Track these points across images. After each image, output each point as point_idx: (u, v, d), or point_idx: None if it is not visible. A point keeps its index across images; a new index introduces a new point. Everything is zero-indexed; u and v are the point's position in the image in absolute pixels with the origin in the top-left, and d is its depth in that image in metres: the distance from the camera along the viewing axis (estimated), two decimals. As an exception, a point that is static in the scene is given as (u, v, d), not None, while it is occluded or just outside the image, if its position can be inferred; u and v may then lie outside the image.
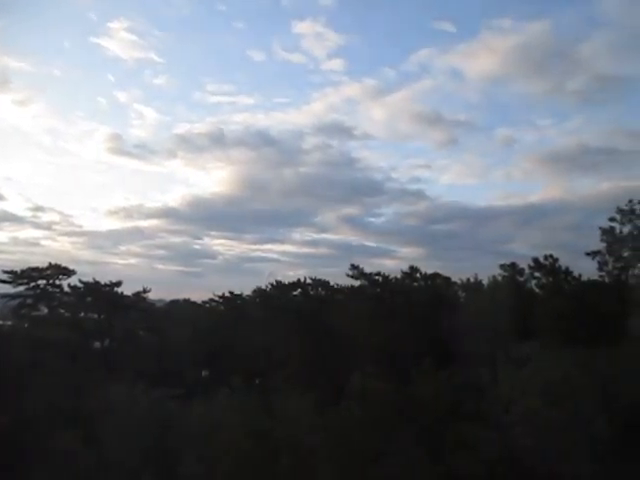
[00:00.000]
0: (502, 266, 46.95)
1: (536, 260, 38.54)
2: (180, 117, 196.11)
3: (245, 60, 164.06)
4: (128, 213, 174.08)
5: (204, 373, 50.61)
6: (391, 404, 24.88)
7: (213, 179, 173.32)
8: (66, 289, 45.36)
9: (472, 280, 50.50)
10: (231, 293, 58.51)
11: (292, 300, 51.38)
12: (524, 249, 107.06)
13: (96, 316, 47.73)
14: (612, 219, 34.26)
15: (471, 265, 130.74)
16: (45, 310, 44.46)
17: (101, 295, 46.58)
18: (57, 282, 44.59)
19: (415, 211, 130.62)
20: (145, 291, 49.95)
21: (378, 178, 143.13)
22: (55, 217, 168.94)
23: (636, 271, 33.64)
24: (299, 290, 52.93)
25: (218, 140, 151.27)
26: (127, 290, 48.96)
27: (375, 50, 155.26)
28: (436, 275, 54.12)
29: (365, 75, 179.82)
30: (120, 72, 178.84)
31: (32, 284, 43.22)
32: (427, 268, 65.23)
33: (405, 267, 54.13)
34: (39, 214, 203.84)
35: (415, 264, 55.67)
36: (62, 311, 45.95)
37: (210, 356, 47.29)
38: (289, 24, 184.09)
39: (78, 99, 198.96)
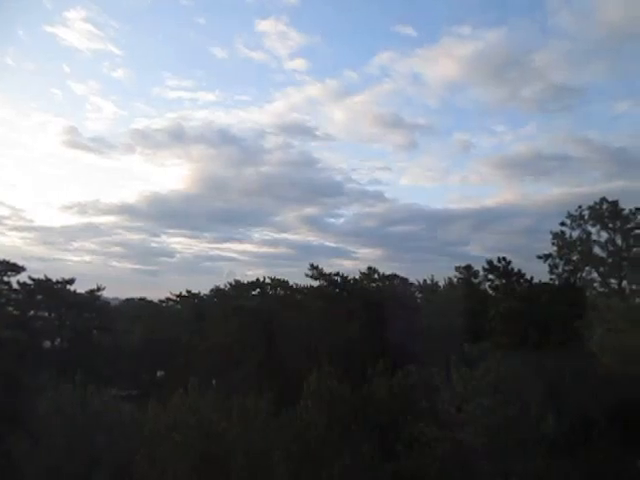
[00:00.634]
0: (457, 268, 48.07)
1: (490, 262, 39.53)
2: (139, 112, 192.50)
3: (206, 56, 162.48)
4: (83, 208, 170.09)
5: (159, 373, 49.92)
6: (347, 404, 25.07)
7: (172, 176, 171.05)
8: (15, 286, 43.95)
9: (429, 281, 51.47)
10: (189, 292, 57.97)
11: (250, 300, 51.17)
12: (479, 251, 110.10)
13: (47, 314, 46.36)
14: (562, 224, 35.49)
15: (428, 266, 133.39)
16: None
17: (52, 293, 45.26)
18: (5, 279, 43.15)
19: (374, 212, 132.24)
20: (99, 289, 48.86)
21: (338, 179, 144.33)
22: (5, 211, 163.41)
23: (584, 274, 34.93)
24: (258, 290, 52.81)
25: (178, 136, 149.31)
26: (80, 288, 47.87)
27: (338, 51, 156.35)
28: (394, 276, 55.00)
29: (327, 76, 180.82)
30: (76, 63, 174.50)
31: (-22, 281, 41.69)
32: (385, 269, 66.21)
33: (364, 268, 54.83)
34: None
35: (374, 265, 56.56)
36: (10, 309, 44.46)
37: (166, 356, 46.64)
38: (252, 22, 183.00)
39: (32, 90, 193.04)
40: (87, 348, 43.63)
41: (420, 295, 52.77)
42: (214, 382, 41.31)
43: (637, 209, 33.68)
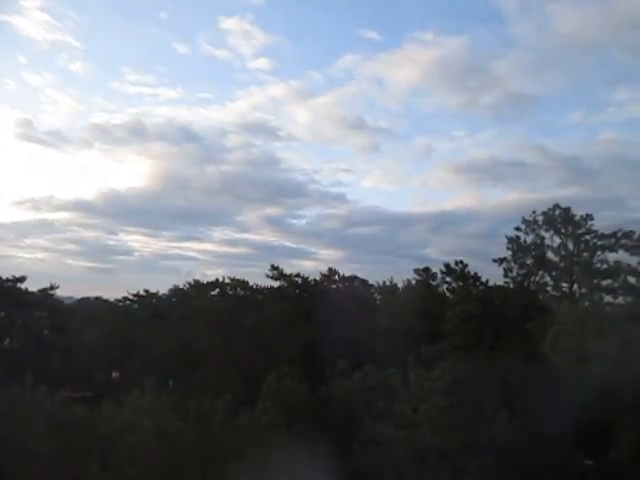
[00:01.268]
0: (416, 270, 48.79)
1: (447, 265, 40.30)
2: (97, 106, 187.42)
3: (168, 52, 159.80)
4: (36, 204, 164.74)
5: (115, 374, 48.89)
6: (306, 404, 25.16)
7: (131, 173, 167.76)
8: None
9: (388, 283, 52.06)
10: (146, 292, 57.00)
11: (210, 300, 50.66)
12: (438, 254, 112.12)
13: (-4, 314, 44.80)
14: (517, 228, 36.54)
15: (388, 268, 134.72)
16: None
17: (2, 291, 43.73)
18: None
19: (336, 214, 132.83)
20: (52, 287, 47.49)
21: (301, 180, 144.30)
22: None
23: (537, 278, 36.01)
24: (217, 290, 52.32)
25: (138, 133, 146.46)
26: (32, 286, 46.35)
27: (302, 52, 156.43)
28: (354, 277, 55.45)
29: (291, 76, 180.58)
30: (32, 54, 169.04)
31: None
32: (346, 270, 66.58)
33: (325, 269, 55.07)
34: None
35: (334, 266, 56.79)
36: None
37: (122, 357, 45.71)
38: (216, 19, 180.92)
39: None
40: (39, 348, 42.34)
41: (379, 297, 53.32)
42: (171, 383, 40.75)
43: (588, 215, 34.96)
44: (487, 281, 38.49)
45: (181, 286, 55.32)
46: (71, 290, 77.58)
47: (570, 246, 35.23)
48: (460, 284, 38.92)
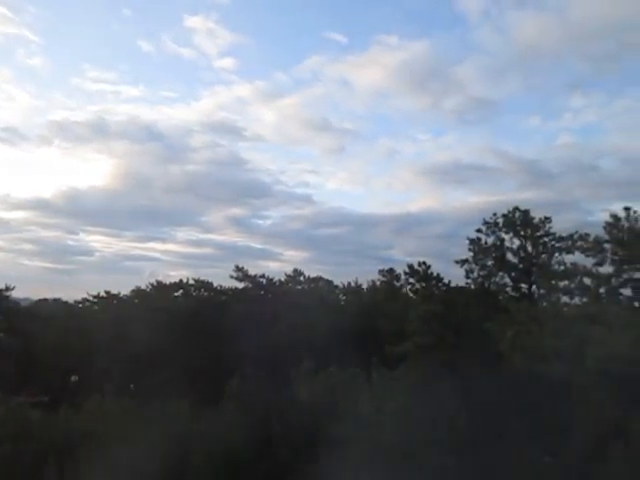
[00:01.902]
0: (381, 271, 49.26)
1: (410, 266, 40.75)
2: (57, 103, 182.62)
3: (132, 49, 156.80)
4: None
5: (74, 378, 47.70)
6: (269, 406, 25.07)
7: (93, 171, 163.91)
8: None
9: (353, 284, 52.36)
10: (107, 293, 55.95)
11: (173, 301, 50.02)
12: (402, 255, 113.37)
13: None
14: (479, 230, 37.16)
15: (353, 269, 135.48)
16: None
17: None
18: None
19: (302, 215, 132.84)
20: (7, 289, 46.11)
21: (267, 180, 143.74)
22: None
23: (498, 279, 36.73)
24: (181, 291, 51.74)
25: (99, 131, 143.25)
26: (-14, 288, 44.82)
27: (268, 53, 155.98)
28: (319, 278, 55.62)
29: (257, 77, 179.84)
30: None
31: None
32: (311, 271, 66.80)
33: (290, 270, 55.06)
34: None
35: (300, 267, 56.86)
36: None
37: (81, 360, 44.64)
38: (181, 17, 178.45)
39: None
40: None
41: (344, 297, 53.58)
42: (132, 386, 40.06)
43: (546, 218, 35.85)
44: (449, 282, 39.11)
45: (143, 287, 54.43)
46: (28, 291, 75.44)
47: (529, 248, 36.05)
48: (423, 285, 39.40)
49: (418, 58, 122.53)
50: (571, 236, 33.63)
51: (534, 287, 35.16)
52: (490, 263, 36.51)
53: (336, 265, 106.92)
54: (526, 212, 36.10)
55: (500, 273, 36.57)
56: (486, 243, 36.73)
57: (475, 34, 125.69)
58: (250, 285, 51.08)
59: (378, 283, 49.43)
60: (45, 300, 70.03)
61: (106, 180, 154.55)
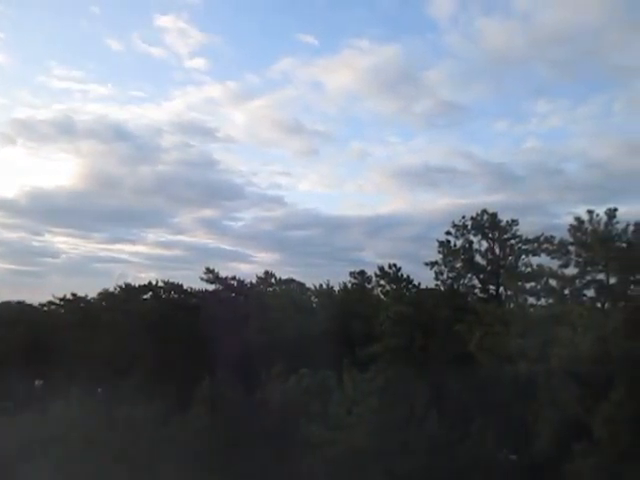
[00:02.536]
0: (352, 273, 49.42)
1: (381, 268, 41.03)
2: (20, 101, 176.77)
3: (100, 48, 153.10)
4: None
5: (38, 383, 46.61)
6: (240, 408, 24.98)
7: (59, 171, 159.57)
8: None
9: (324, 286, 52.37)
10: (74, 295, 54.74)
11: (142, 304, 49.27)
12: (373, 257, 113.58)
13: None
14: (448, 233, 37.63)
15: (325, 271, 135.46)
16: None
17: None
18: None
19: (274, 217, 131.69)
20: (-30, 292, 44.73)
21: (238, 182, 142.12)
22: None
23: (466, 281, 37.26)
24: (150, 293, 50.97)
25: (66, 130, 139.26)
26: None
27: (239, 54, 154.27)
28: (291, 280, 55.49)
29: (228, 77, 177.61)
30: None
31: None
32: (283, 273, 66.53)
33: (261, 272, 54.84)
34: None
35: (271, 269, 56.66)
36: None
37: (46, 364, 43.63)
38: (151, 16, 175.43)
39: None
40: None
41: (316, 299, 53.57)
42: (100, 391, 39.37)
43: (513, 221, 36.55)
44: (419, 284, 39.53)
45: (112, 289, 53.46)
46: (-10, 294, 73.28)
47: (497, 250, 36.65)
48: (393, 287, 39.72)
49: (389, 62, 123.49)
50: (537, 238, 34.31)
51: (501, 289, 35.78)
52: (459, 265, 36.97)
53: (308, 267, 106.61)
54: (494, 215, 36.71)
55: (469, 275, 37.07)
56: (455, 245, 37.19)
57: (445, 39, 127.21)
58: (221, 287, 50.67)
59: (349, 285, 49.58)
60: (8, 303, 68.22)
61: (73, 180, 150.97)
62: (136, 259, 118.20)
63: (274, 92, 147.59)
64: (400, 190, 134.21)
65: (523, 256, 35.12)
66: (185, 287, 50.99)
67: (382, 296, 42.03)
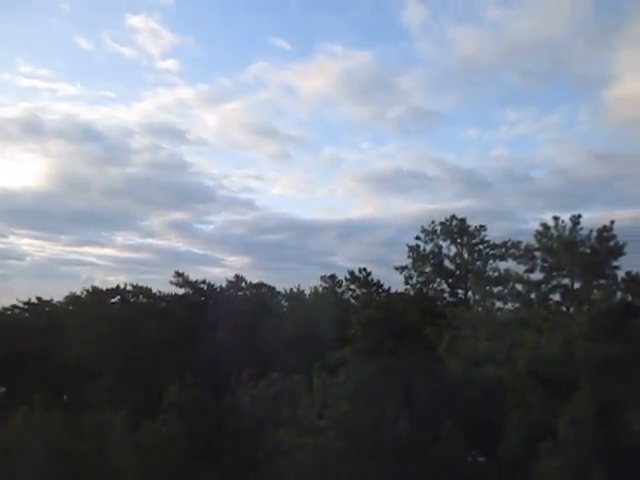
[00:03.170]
0: (322, 277, 49.61)
1: (351, 273, 41.34)
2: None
3: (69, 46, 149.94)
4: None
5: (0, 389, 45.34)
6: (209, 414, 24.74)
7: (25, 171, 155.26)
8: None
9: (295, 290, 52.40)
10: (39, 299, 53.45)
11: (110, 308, 48.40)
12: (344, 262, 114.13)
13: None
14: (417, 237, 38.18)
15: (296, 275, 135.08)
16: None
17: None
18: None
19: (245, 220, 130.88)
20: None
21: (210, 185, 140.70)
22: None
23: (435, 285, 37.83)
24: (118, 297, 50.14)
25: (33, 129, 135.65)
26: None
27: (212, 56, 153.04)
28: (261, 284, 55.31)
29: (200, 80, 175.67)
30: None
31: None
32: (253, 277, 66.31)
33: (232, 276, 54.56)
34: None
35: (242, 273, 56.39)
36: None
37: (10, 370, 42.44)
38: (122, 16, 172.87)
39: None
40: None
41: (286, 304, 53.54)
42: (66, 397, 38.55)
43: (481, 226, 37.28)
44: (389, 288, 39.95)
45: (78, 293, 52.36)
46: (-51, 298, 70.91)
47: (465, 255, 37.33)
48: (363, 291, 40.03)
49: (362, 68, 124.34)
50: (504, 244, 35.09)
51: (470, 293, 36.41)
52: (428, 270, 37.55)
53: (279, 271, 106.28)
54: (462, 220, 37.39)
55: (438, 279, 37.66)
56: (425, 250, 37.74)
57: (417, 47, 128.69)
58: (191, 291, 50.22)
59: (320, 289, 49.74)
60: (-31, 307, 66.15)
61: (40, 181, 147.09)
62: (104, 262, 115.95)
63: (246, 95, 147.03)
64: (372, 195, 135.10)
65: (491, 261, 35.90)
66: (154, 291, 50.36)
67: (352, 300, 42.29)
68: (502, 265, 33.90)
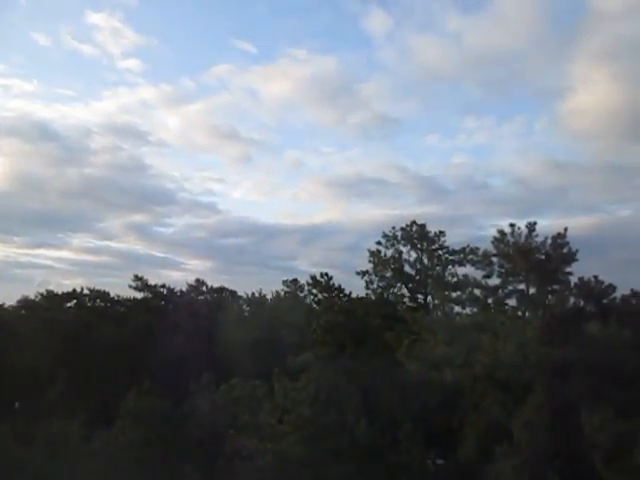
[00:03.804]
0: (285, 282, 49.54)
1: (313, 277, 41.39)
2: None
3: (26, 42, 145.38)
4: None
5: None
6: (167, 420, 24.30)
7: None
8: None
9: (257, 294, 52.12)
10: (-11, 303, 51.59)
11: (65, 312, 47.05)
12: (307, 266, 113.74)
13: None
14: (378, 243, 38.57)
15: (258, 280, 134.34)
16: None
17: None
18: None
19: (206, 224, 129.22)
20: None
21: (170, 187, 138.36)
22: None
23: (396, 290, 38.27)
24: (74, 301, 48.80)
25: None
26: None
27: (175, 57, 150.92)
28: (222, 289, 54.82)
29: (162, 81, 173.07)
30: None
31: None
32: (215, 281, 65.63)
33: (192, 279, 53.93)
34: None
35: (203, 277, 55.81)
36: None
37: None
38: (82, 13, 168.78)
39: None
40: None
41: (248, 308, 53.18)
42: (17, 405, 37.27)
43: (441, 232, 37.95)
44: (350, 293, 40.17)
45: (32, 297, 50.72)
46: None
47: (425, 260, 37.91)
48: (325, 295, 40.14)
49: (326, 73, 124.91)
50: (463, 249, 35.81)
51: (429, 298, 36.99)
52: (389, 274, 37.97)
53: (240, 275, 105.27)
54: (422, 226, 37.98)
55: (398, 284, 38.12)
56: (385, 255, 38.16)
57: (380, 54, 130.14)
58: (150, 295, 49.35)
59: (282, 294, 49.63)
60: None
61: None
62: (60, 265, 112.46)
63: (209, 97, 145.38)
64: (334, 200, 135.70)
65: (450, 266, 36.56)
66: (112, 295, 49.27)
67: (314, 305, 42.34)
68: (461, 270, 34.57)
